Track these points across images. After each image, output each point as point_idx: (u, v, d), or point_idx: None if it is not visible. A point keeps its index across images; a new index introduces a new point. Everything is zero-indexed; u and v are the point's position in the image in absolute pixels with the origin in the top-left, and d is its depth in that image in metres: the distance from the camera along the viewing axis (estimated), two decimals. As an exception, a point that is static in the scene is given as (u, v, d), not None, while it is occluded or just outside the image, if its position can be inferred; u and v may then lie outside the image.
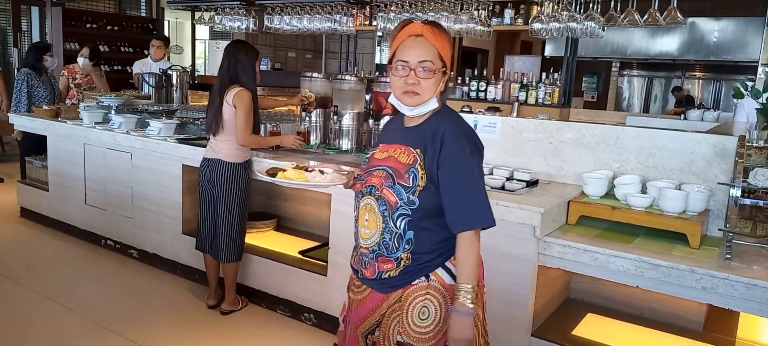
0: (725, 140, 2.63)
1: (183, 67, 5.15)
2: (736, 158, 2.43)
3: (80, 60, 6.01)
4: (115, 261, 4.29)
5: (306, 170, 1.79)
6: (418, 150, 1.62)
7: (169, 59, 6.96)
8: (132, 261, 4.28)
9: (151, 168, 4.07)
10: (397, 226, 1.62)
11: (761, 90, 3.35)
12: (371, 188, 1.67)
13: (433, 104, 1.64)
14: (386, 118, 3.76)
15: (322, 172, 2.02)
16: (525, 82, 6.09)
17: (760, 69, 6.02)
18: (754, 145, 2.51)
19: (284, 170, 1.71)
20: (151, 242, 4.15)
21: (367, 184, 1.69)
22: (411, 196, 1.59)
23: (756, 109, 3.59)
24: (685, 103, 8.12)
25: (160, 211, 4.05)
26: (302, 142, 3.67)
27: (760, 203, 2.41)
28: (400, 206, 1.61)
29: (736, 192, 2.28)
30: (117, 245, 4.42)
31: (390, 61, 1.65)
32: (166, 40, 6.72)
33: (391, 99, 1.68)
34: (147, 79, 5.07)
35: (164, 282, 3.93)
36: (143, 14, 10.28)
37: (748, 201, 2.38)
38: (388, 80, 3.96)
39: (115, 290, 3.78)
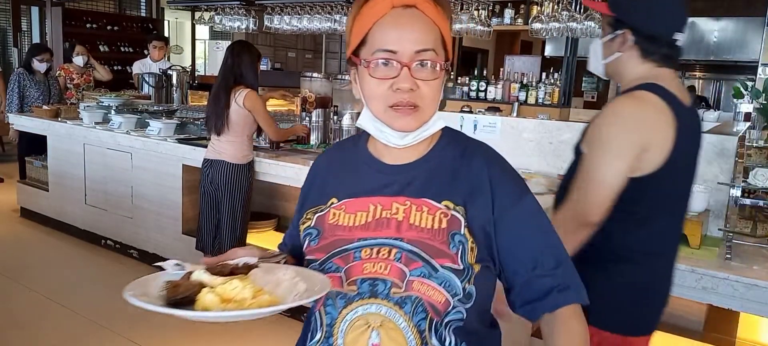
0: (725, 140, 2.63)
1: (183, 67, 5.16)
2: (736, 158, 2.43)
3: (76, 59, 6.03)
4: (115, 261, 4.29)
5: (230, 273, 0.92)
6: (448, 203, 0.96)
7: (168, 59, 6.96)
8: (132, 261, 4.28)
9: (151, 168, 4.07)
10: (444, 343, 0.96)
11: (761, 90, 3.35)
12: (377, 284, 0.94)
13: (438, 123, 1.00)
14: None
15: (247, 264, 0.96)
16: (525, 82, 6.10)
17: (760, 69, 6.02)
18: (754, 145, 2.51)
19: (201, 289, 0.88)
20: (151, 241, 4.15)
21: (359, 277, 0.95)
22: (466, 284, 0.94)
23: (756, 109, 3.60)
24: (697, 103, 8.10)
25: (160, 211, 4.05)
26: (306, 131, 3.86)
27: (760, 202, 2.41)
28: (454, 307, 0.94)
29: (736, 192, 2.28)
30: (117, 245, 4.42)
31: (355, 53, 0.99)
32: (166, 41, 6.72)
33: (364, 121, 1.01)
34: (147, 79, 5.08)
35: (164, 282, 3.92)
36: (143, 14, 10.28)
37: (748, 201, 2.38)
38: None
39: (115, 290, 3.76)
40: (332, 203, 1.03)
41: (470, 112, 4.52)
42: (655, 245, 1.59)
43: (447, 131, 1.05)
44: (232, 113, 3.22)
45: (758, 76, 5.92)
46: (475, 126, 3.19)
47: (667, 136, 1.44)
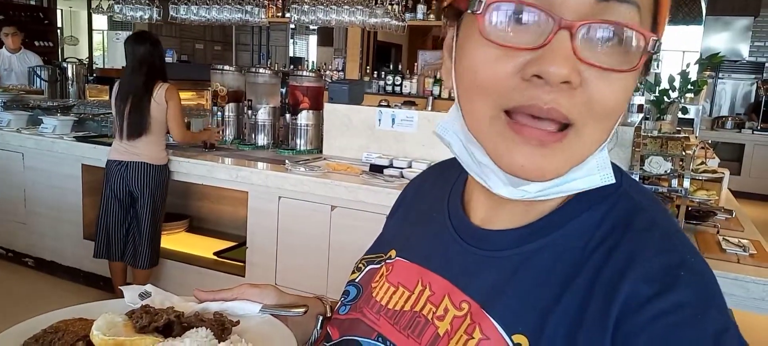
0: (622, 131, 2.80)
1: (80, 60, 4.81)
2: (633, 147, 2.61)
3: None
4: (8, 271, 3.94)
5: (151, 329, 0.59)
6: (522, 341, 0.50)
7: (62, 51, 6.45)
8: (27, 270, 3.95)
9: (45, 169, 3.77)
10: None
11: (653, 83, 3.62)
12: None
13: (592, 176, 0.51)
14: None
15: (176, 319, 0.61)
16: (439, 76, 6.23)
17: (652, 64, 6.53)
18: (649, 135, 2.71)
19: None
20: (49, 248, 3.86)
21: None
22: None
23: (649, 101, 3.89)
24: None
25: (57, 215, 3.76)
26: (219, 138, 3.63)
27: (657, 189, 2.60)
28: None
29: (634, 179, 2.45)
30: (9, 254, 4.07)
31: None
32: (18, 26, 6.03)
33: (446, 129, 0.55)
34: (38, 72, 4.69)
35: (66, 291, 3.65)
36: (33, 2, 9.47)
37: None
38: (304, 73, 3.92)
39: (9, 303, 3.47)
40: (390, 257, 0.66)
41: (388, 106, 4.56)
42: None
43: (616, 188, 0.54)
44: (153, 111, 3.03)
45: (651, 70, 6.41)
46: (393, 120, 3.21)
47: None
